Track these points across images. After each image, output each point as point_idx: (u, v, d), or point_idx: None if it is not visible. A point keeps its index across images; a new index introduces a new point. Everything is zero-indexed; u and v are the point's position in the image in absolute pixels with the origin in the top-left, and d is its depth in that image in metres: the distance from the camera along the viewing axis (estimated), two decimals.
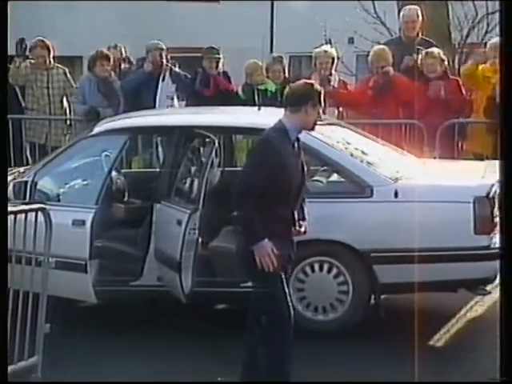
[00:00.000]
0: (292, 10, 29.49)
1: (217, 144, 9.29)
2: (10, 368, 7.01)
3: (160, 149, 12.15)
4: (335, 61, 12.80)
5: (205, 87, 13.27)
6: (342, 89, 12.55)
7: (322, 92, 6.87)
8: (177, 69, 13.97)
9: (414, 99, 11.90)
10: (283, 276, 6.77)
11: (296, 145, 6.84)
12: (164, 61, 13.53)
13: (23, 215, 7.28)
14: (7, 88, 12.73)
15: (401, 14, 14.14)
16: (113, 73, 13.55)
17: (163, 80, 13.42)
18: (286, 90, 7.04)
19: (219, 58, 13.64)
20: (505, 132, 5.30)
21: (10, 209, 7.50)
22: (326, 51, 12.92)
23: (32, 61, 13.46)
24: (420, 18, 13.47)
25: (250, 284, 7.59)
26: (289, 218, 6.85)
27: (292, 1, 30.42)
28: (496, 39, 13.42)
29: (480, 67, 12.70)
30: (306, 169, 7.03)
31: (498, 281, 8.62)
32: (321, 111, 6.94)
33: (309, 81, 7.32)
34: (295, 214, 6.95)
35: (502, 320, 5.13)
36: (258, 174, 6.62)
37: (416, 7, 13.79)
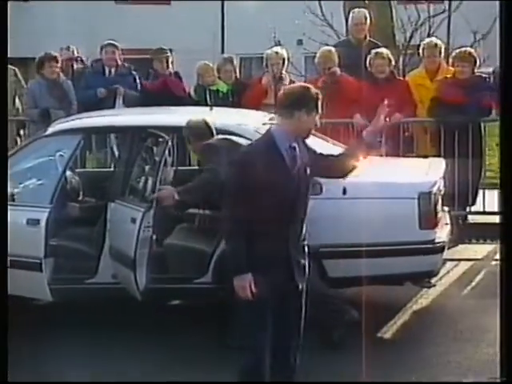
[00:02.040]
0: (242, 11, 29.52)
1: (170, 143, 9.33)
2: None
3: (114, 148, 12.14)
4: (286, 62, 12.88)
5: (156, 87, 13.33)
6: None
7: (320, 97, 6.12)
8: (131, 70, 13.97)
9: (360, 99, 12.05)
10: (272, 303, 6.07)
11: (290, 153, 5.99)
12: (117, 58, 13.56)
13: None
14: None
15: (349, 16, 14.25)
16: (63, 74, 13.51)
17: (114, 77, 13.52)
18: (279, 93, 6.34)
19: (169, 58, 13.68)
20: (504, 132, 5.24)
21: None
22: (277, 52, 13.01)
23: None
24: (368, 20, 13.61)
25: (203, 280, 7.74)
26: (284, 238, 6.06)
27: (242, 1, 30.43)
28: (430, 39, 13.78)
29: (419, 73, 13.00)
30: (307, 173, 6.17)
31: (441, 273, 8.78)
32: (317, 119, 6.15)
33: (305, 84, 6.61)
34: (299, 229, 6.21)
35: (502, 320, 4.93)
36: (237, 203, 5.93)
37: (364, 10, 13.97)
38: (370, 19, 13.74)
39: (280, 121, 6.03)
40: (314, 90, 6.11)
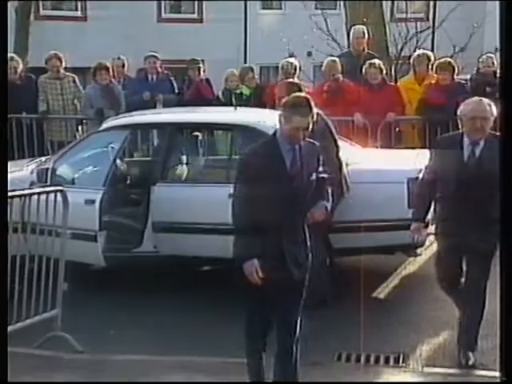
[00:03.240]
0: (261, 29, 29.51)
1: (200, 137, 9.35)
2: (35, 318, 7.09)
3: (155, 141, 12.17)
4: (297, 70, 12.85)
5: (190, 91, 13.35)
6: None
7: (313, 103, 5.55)
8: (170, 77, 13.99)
9: (359, 100, 12.07)
10: (271, 293, 5.53)
11: (291, 156, 5.52)
12: (158, 67, 13.59)
13: (45, 195, 7.35)
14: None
15: (351, 31, 14.23)
16: (115, 79, 13.56)
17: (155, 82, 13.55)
18: (282, 101, 5.70)
19: (200, 67, 13.69)
20: (505, 133, 5.04)
21: (34, 190, 7.59)
22: (290, 62, 12.97)
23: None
24: (366, 35, 13.57)
25: None
26: (281, 232, 5.53)
27: (261, 20, 30.45)
28: (418, 51, 13.77)
29: (409, 79, 12.99)
30: (308, 174, 5.60)
31: (426, 245, 8.76)
32: (311, 124, 5.53)
33: (302, 94, 6.08)
34: (298, 226, 5.67)
35: (502, 320, 4.56)
36: (239, 196, 5.53)
37: (363, 26, 13.89)
38: (368, 34, 13.70)
39: (282, 125, 5.53)
40: (308, 97, 5.63)
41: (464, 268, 6.82)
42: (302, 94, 5.91)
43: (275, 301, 5.60)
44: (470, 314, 6.74)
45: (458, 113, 6.61)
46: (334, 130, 8.53)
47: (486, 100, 6.56)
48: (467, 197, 6.44)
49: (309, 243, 5.74)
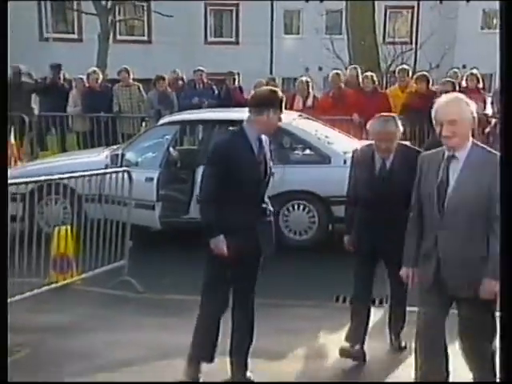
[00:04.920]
0: (283, 48, 29.54)
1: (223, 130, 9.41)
2: (108, 266, 7.13)
3: (199, 133, 12.19)
4: (310, 83, 12.78)
5: (227, 96, 13.39)
6: (316, 101, 12.55)
7: (284, 99, 4.86)
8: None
9: (356, 104, 12.03)
10: (238, 268, 4.82)
11: (257, 145, 4.83)
12: (204, 78, 13.60)
13: (116, 174, 7.39)
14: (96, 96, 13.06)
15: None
16: (171, 88, 13.65)
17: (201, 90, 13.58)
18: (250, 95, 5.06)
19: (235, 78, 13.72)
20: (504, 132, 3.88)
21: (109, 170, 7.64)
22: (306, 80, 12.87)
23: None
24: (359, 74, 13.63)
25: None
26: (251, 212, 4.79)
27: (284, 40, 30.41)
28: (402, 66, 13.74)
29: (394, 88, 12.94)
30: (269, 165, 4.94)
31: None
32: (281, 117, 4.84)
33: (273, 88, 5.22)
34: (264, 205, 4.92)
35: (502, 320, 3.74)
36: (211, 176, 4.80)
37: (356, 67, 13.97)
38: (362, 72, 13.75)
39: (251, 118, 4.80)
40: (279, 92, 4.86)
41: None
42: (269, 88, 5.06)
43: (240, 273, 4.86)
44: (396, 301, 5.53)
45: (367, 127, 5.38)
46: None
47: (391, 118, 5.26)
48: (379, 208, 5.13)
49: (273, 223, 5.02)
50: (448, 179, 4.12)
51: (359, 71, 13.26)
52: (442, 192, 4.13)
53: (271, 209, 5.01)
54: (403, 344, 5.56)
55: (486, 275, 3.99)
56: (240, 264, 4.78)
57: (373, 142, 5.29)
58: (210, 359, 4.94)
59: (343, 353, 5.31)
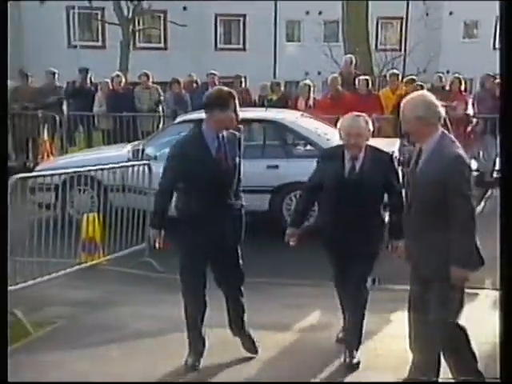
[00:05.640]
0: (286, 54, 29.48)
1: (242, 128, 9.31)
2: (131, 248, 7.12)
3: None
4: (311, 87, 12.75)
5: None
6: (316, 103, 12.53)
7: (236, 96, 4.53)
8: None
9: (352, 104, 11.98)
10: (204, 257, 4.61)
11: (216, 143, 4.50)
12: (216, 81, 13.54)
13: (137, 167, 7.39)
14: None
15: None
16: (185, 90, 13.58)
17: None
18: (206, 93, 4.68)
19: (242, 81, 13.71)
20: (504, 132, 3.70)
21: (131, 163, 7.63)
22: (307, 84, 12.84)
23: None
24: (354, 61, 13.67)
25: None
26: (211, 205, 4.46)
27: (287, 47, 30.37)
28: (392, 71, 13.75)
29: (386, 90, 12.89)
30: (235, 162, 4.58)
31: None
32: (234, 114, 4.49)
33: (223, 87, 4.78)
34: (228, 200, 4.56)
35: (502, 320, 3.49)
36: (165, 171, 4.61)
37: (351, 56, 13.92)
38: (356, 61, 13.82)
39: (206, 117, 4.54)
40: (227, 91, 4.53)
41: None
42: (224, 88, 4.62)
43: (203, 260, 4.65)
44: (352, 315, 4.82)
45: (338, 125, 4.86)
46: None
47: (362, 116, 4.75)
48: (346, 210, 4.60)
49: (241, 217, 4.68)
50: (417, 169, 4.03)
51: (353, 59, 13.69)
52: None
53: (242, 203, 4.69)
54: (355, 361, 4.70)
55: (452, 263, 3.83)
56: (199, 252, 4.59)
57: (342, 141, 4.76)
58: (200, 353, 4.70)
59: (339, 341, 5.08)
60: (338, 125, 4.81)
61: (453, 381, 4.15)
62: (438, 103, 4.01)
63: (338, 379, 4.58)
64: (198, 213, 4.51)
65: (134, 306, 6.00)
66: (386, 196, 4.77)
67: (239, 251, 4.76)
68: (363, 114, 4.83)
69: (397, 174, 4.78)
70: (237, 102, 4.53)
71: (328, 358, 4.84)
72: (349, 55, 14.26)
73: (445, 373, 4.15)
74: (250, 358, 4.83)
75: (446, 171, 3.81)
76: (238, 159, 4.62)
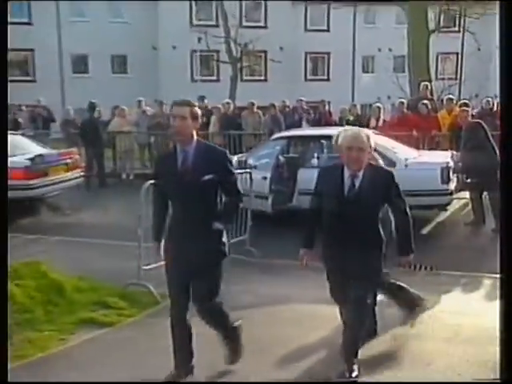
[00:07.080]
0: (362, 84, 28.90)
1: (324, 143, 9.26)
2: (235, 239, 7.01)
3: (300, 145, 12.11)
4: (381, 109, 12.52)
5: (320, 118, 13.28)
6: (385, 121, 12.28)
7: (199, 113, 3.66)
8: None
9: (415, 124, 11.65)
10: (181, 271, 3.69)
11: (182, 155, 3.64)
12: (304, 105, 13.49)
13: (241, 175, 7.38)
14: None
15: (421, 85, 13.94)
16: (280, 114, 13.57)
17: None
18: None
19: (325, 105, 13.62)
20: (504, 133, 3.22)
21: (236, 171, 7.53)
22: (378, 106, 12.57)
23: None
24: (429, 86, 13.78)
25: None
26: (181, 219, 3.67)
27: (362, 77, 29.77)
28: (448, 96, 13.13)
29: (443, 112, 12.35)
30: (201, 175, 3.57)
31: (451, 205, 8.33)
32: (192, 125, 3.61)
33: (184, 100, 3.68)
34: (198, 215, 3.62)
35: (502, 320, 2.95)
36: (153, 187, 4.12)
37: (427, 83, 13.89)
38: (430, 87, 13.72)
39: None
40: (189, 102, 3.67)
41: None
42: (185, 100, 3.68)
43: (177, 275, 3.74)
44: (351, 331, 3.89)
45: (339, 142, 3.88)
46: None
47: (364, 131, 3.89)
48: (346, 228, 3.81)
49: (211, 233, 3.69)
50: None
51: (429, 85, 13.63)
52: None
53: (218, 226, 3.69)
54: (354, 374, 3.82)
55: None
56: (175, 267, 3.71)
57: (342, 158, 3.86)
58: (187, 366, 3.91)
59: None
60: (340, 139, 3.85)
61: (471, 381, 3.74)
62: None
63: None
64: (171, 225, 3.76)
65: (239, 285, 5.92)
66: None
67: (213, 270, 3.76)
68: (365, 129, 4.06)
69: (399, 190, 3.91)
70: (195, 111, 3.65)
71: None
72: (425, 82, 13.85)
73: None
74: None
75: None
76: (216, 175, 3.62)
